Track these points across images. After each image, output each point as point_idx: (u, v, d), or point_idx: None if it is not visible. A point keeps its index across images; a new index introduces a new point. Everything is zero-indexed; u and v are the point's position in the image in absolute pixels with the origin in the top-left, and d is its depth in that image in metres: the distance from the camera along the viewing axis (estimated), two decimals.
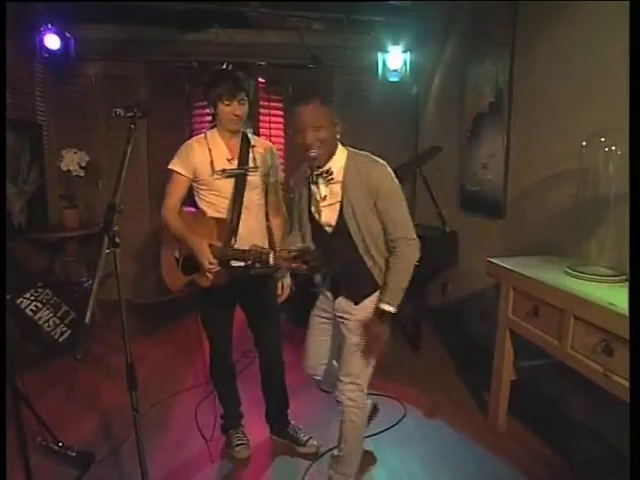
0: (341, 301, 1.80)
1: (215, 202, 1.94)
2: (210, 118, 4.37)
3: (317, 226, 1.76)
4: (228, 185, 1.92)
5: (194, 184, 1.96)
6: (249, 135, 2.03)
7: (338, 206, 1.67)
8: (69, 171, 3.81)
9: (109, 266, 1.40)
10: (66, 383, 2.84)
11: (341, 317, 1.80)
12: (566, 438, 2.30)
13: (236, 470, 2.12)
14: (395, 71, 4.28)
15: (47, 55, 3.74)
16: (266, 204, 2.08)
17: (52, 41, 3.68)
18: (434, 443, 2.29)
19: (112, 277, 1.38)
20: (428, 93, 4.25)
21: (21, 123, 3.72)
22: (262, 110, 4.44)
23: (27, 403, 1.97)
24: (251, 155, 1.97)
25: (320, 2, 3.91)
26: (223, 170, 1.90)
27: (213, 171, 1.89)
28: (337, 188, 1.67)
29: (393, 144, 4.16)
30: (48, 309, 3.20)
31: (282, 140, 4.64)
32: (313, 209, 1.75)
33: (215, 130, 1.97)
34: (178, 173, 1.91)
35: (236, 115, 1.88)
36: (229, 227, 1.89)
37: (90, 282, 3.79)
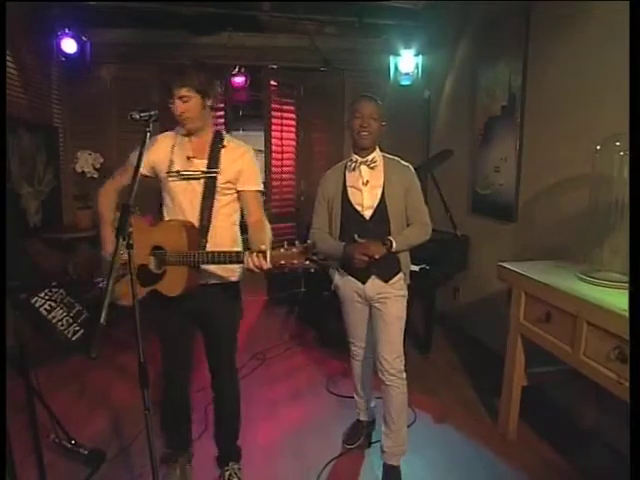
0: (372, 283, 1.97)
1: (169, 205, 1.78)
2: (223, 120, 4.42)
3: (352, 211, 1.97)
4: (185, 188, 1.73)
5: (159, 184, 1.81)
6: (224, 135, 1.80)
7: (379, 190, 1.96)
8: (83, 172, 3.88)
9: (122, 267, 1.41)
10: (78, 381, 2.88)
11: (375, 298, 1.99)
12: (577, 446, 2.27)
13: None
14: (407, 74, 4.29)
15: (64, 59, 3.82)
16: (247, 216, 1.80)
17: (69, 45, 3.76)
18: (443, 448, 2.27)
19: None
20: (440, 96, 4.24)
21: (37, 125, 3.78)
22: (274, 113, 4.46)
23: (42, 400, 2.00)
24: (221, 158, 1.74)
25: (332, 5, 3.92)
26: (178, 172, 1.71)
27: (169, 171, 1.72)
28: (378, 174, 1.97)
29: (405, 147, 4.10)
30: (62, 308, 3.25)
31: (294, 143, 4.65)
32: (351, 194, 1.98)
33: None
34: (130, 164, 1.71)
35: (178, 114, 1.65)
36: (198, 232, 1.71)
37: (104, 282, 3.84)
